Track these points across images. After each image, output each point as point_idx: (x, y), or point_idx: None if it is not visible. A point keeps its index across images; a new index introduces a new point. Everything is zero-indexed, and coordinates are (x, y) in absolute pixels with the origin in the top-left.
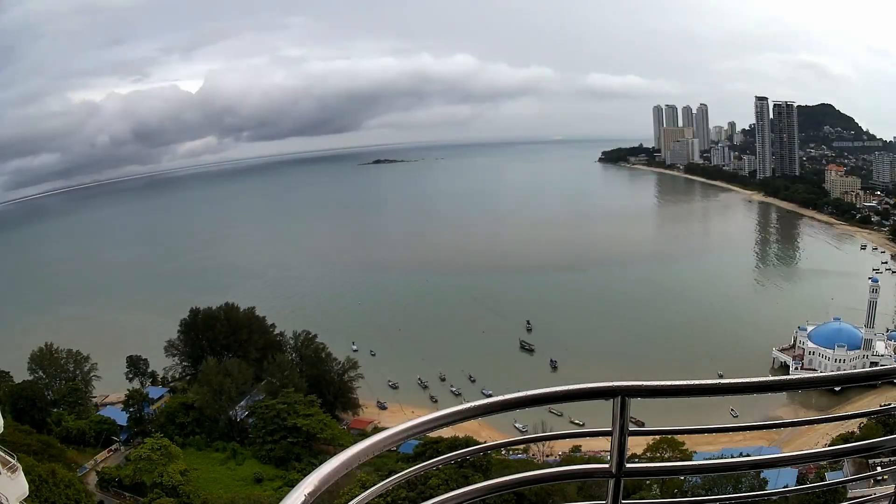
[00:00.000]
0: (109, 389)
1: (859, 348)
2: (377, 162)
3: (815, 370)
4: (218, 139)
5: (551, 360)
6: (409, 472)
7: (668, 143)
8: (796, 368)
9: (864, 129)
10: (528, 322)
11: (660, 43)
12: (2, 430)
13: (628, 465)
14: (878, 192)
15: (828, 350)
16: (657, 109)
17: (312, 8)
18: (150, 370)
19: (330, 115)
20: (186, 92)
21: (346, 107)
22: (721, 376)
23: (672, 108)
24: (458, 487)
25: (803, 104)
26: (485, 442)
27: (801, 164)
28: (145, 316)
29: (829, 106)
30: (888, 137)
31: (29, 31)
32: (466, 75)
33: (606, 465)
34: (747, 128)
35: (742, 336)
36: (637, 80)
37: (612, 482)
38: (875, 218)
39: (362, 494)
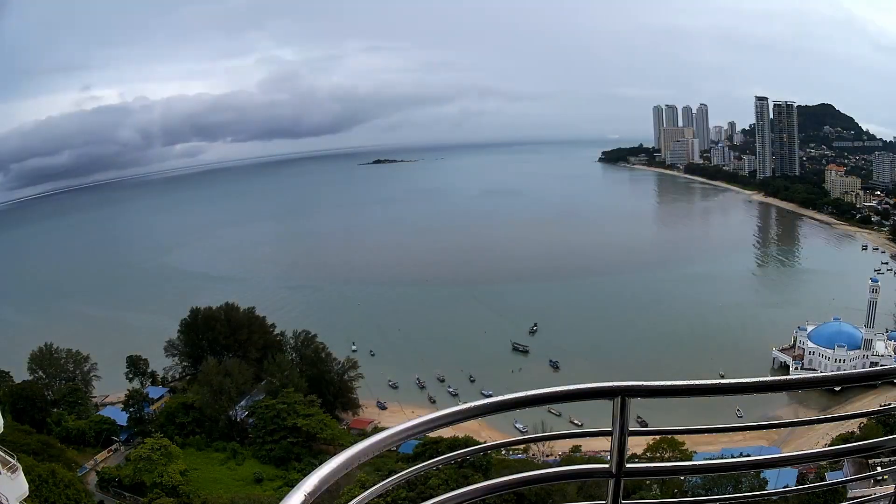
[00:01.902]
0: (109, 389)
1: (859, 348)
2: (377, 162)
3: (815, 370)
4: (217, 139)
5: (550, 361)
6: (409, 472)
7: (668, 143)
8: (796, 368)
9: (864, 129)
10: (535, 325)
11: (659, 41)
12: (2, 430)
13: (628, 465)
14: (878, 192)
15: (828, 350)
16: (657, 109)
17: (290, 10)
18: (150, 370)
19: (330, 115)
20: (183, 94)
21: (346, 107)
22: (722, 376)
23: (672, 108)
24: (458, 487)
25: (803, 104)
26: (485, 442)
27: (801, 164)
28: (144, 315)
29: (829, 106)
30: (888, 137)
31: None
32: (468, 87)
33: (606, 465)
34: (747, 128)
35: (742, 336)
36: (637, 82)
37: (612, 482)
38: (875, 218)
39: (362, 494)
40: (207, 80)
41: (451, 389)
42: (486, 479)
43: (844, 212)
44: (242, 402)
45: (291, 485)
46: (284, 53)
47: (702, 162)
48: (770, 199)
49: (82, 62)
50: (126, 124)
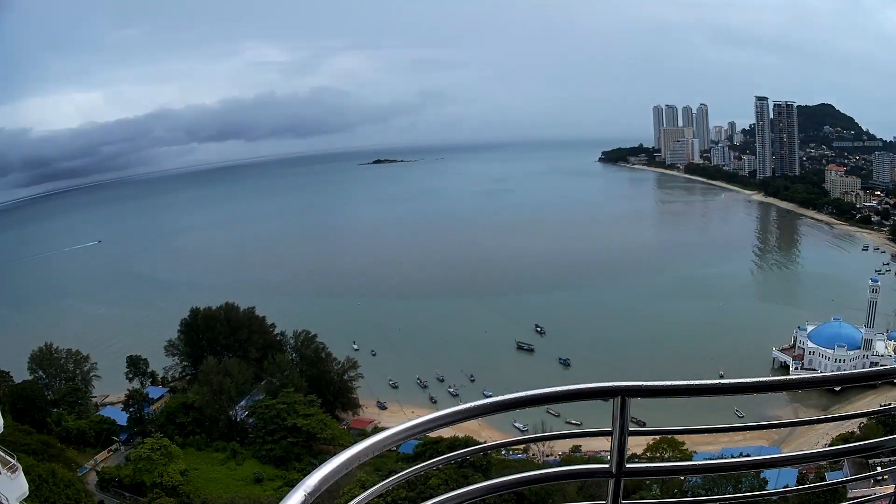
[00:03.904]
0: (109, 389)
1: (859, 348)
2: (377, 162)
3: (815, 370)
4: (218, 141)
5: (560, 359)
6: (409, 472)
7: (668, 143)
8: (796, 368)
9: (864, 129)
10: (537, 326)
11: (659, 41)
12: (2, 430)
13: (628, 465)
14: (878, 192)
15: (828, 350)
16: (657, 109)
17: (286, 11)
18: (150, 370)
19: (330, 116)
20: (181, 98)
21: (346, 108)
22: (722, 376)
23: (672, 109)
24: (458, 487)
25: (803, 104)
26: (485, 442)
27: (801, 164)
28: (145, 315)
29: (829, 106)
30: (888, 137)
31: None
32: (469, 87)
33: (606, 465)
34: (747, 128)
35: (742, 336)
36: (637, 82)
37: (612, 482)
38: (875, 218)
39: (362, 494)
40: (202, 83)
41: (451, 389)
42: (486, 479)
43: (844, 212)
44: (242, 402)
45: (291, 485)
46: (278, 54)
47: (702, 162)
48: (770, 199)
49: (52, 64)
50: (123, 130)
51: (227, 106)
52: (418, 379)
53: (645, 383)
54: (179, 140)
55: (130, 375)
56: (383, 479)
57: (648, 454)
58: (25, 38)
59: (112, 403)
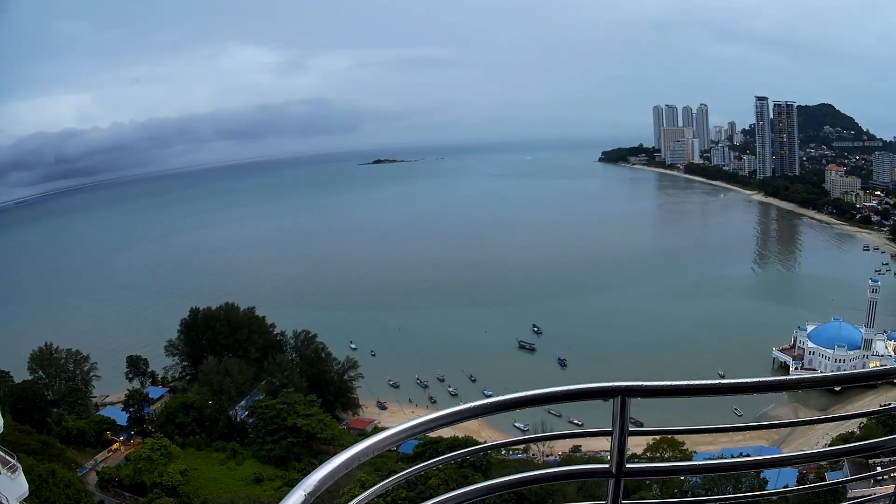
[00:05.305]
0: (109, 389)
1: (859, 348)
2: (377, 161)
3: (815, 370)
4: (217, 141)
5: (559, 359)
6: (409, 472)
7: (668, 143)
8: (796, 368)
9: (865, 130)
10: (535, 326)
11: (658, 38)
12: (2, 430)
13: (628, 465)
14: (878, 192)
15: (828, 350)
16: (657, 109)
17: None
18: (150, 370)
19: (332, 117)
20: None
21: (346, 110)
22: (722, 376)
23: (672, 108)
24: (458, 487)
25: (803, 104)
26: (485, 442)
27: (801, 164)
28: (146, 315)
29: (829, 106)
30: (888, 137)
31: None
32: (469, 86)
33: (606, 465)
34: (747, 128)
35: (742, 336)
36: (637, 81)
37: (612, 482)
38: (875, 218)
39: (362, 494)
40: (196, 85)
41: (451, 389)
42: (486, 479)
43: (844, 212)
44: (242, 402)
45: (291, 485)
46: (273, 56)
47: (702, 162)
48: (770, 199)
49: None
50: (125, 133)
51: (228, 107)
52: (418, 379)
53: (645, 383)
54: (178, 141)
55: (130, 375)
56: (383, 479)
57: (648, 454)
58: (17, 38)
59: (112, 403)
